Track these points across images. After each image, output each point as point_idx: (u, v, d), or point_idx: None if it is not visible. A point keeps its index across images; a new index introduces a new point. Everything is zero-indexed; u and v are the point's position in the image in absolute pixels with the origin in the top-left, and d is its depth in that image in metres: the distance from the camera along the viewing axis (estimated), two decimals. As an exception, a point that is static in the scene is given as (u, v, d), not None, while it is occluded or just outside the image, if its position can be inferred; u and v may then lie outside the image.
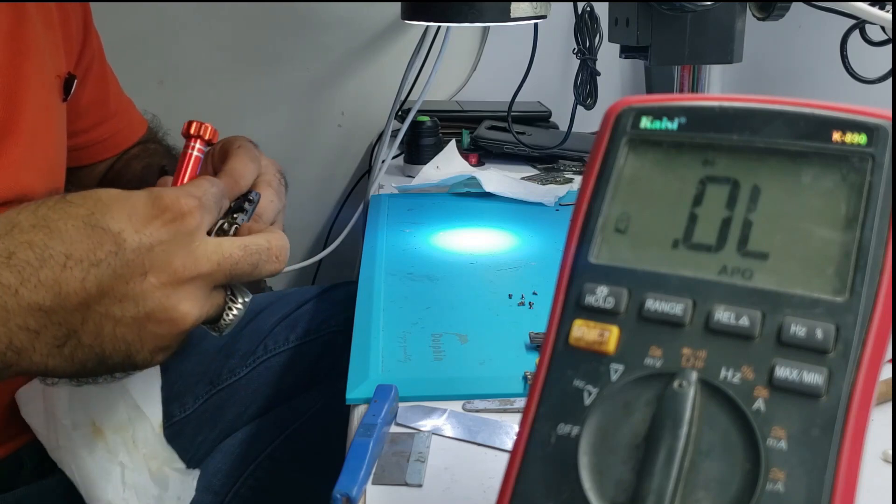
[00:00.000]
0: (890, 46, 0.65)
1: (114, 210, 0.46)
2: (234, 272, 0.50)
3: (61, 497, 0.72)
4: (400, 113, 1.25)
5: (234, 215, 0.57)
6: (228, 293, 0.53)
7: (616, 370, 0.32)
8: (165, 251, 0.47)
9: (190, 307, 0.48)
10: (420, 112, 1.20)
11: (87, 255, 0.45)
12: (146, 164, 0.94)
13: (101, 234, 0.45)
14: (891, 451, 0.49)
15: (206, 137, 0.57)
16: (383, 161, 1.21)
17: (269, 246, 0.52)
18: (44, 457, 0.75)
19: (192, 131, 0.57)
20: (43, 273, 0.44)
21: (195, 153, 0.57)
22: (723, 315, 0.31)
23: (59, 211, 0.46)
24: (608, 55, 0.93)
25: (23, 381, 0.69)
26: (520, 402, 0.57)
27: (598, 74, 0.95)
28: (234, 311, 0.53)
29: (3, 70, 0.70)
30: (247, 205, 0.59)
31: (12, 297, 0.44)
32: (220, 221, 0.55)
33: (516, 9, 0.93)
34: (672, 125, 0.34)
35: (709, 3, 0.71)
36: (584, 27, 0.94)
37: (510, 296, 0.75)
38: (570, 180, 1.18)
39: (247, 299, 0.54)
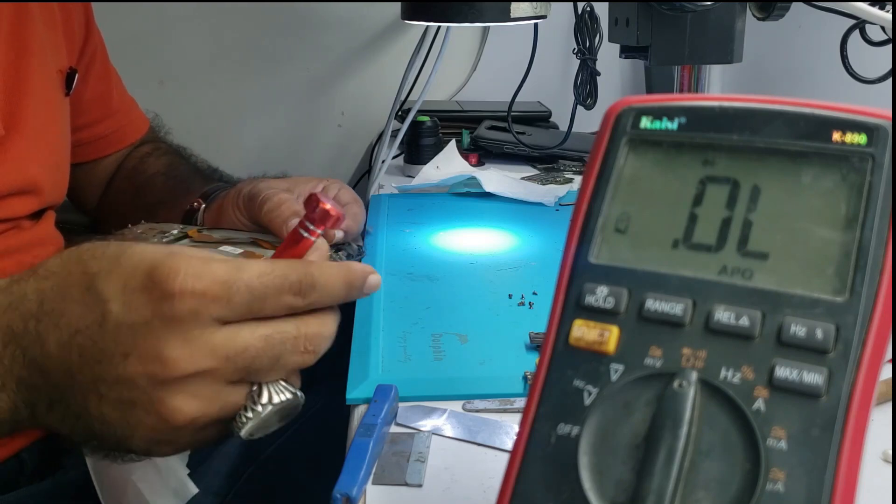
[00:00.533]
0: (890, 46, 0.65)
1: (115, 272, 0.42)
2: (252, 368, 0.42)
3: (63, 498, 0.72)
4: (400, 113, 1.25)
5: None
6: (254, 389, 0.44)
7: (616, 370, 0.32)
8: (152, 335, 0.40)
9: (184, 406, 0.41)
10: (420, 112, 1.20)
11: (76, 321, 0.42)
12: (166, 169, 0.94)
13: (94, 301, 0.42)
14: (891, 451, 0.49)
15: (328, 225, 0.46)
16: (383, 161, 1.21)
17: (296, 334, 0.43)
18: (45, 458, 0.75)
19: (317, 216, 0.46)
20: (41, 327, 0.42)
21: (300, 230, 0.46)
22: (723, 315, 0.31)
23: (77, 262, 0.43)
24: (608, 55, 0.93)
25: None
26: (520, 402, 0.57)
27: (598, 74, 0.95)
28: (250, 415, 0.43)
29: (7, 66, 0.70)
30: (353, 253, 0.55)
31: (18, 347, 0.43)
32: None
33: (516, 9, 0.93)
34: (672, 125, 0.34)
35: (709, 2, 0.71)
36: (584, 27, 0.94)
37: (510, 296, 0.75)
38: (570, 180, 1.18)
39: (284, 398, 0.44)
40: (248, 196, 0.73)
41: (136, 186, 0.93)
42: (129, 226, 0.72)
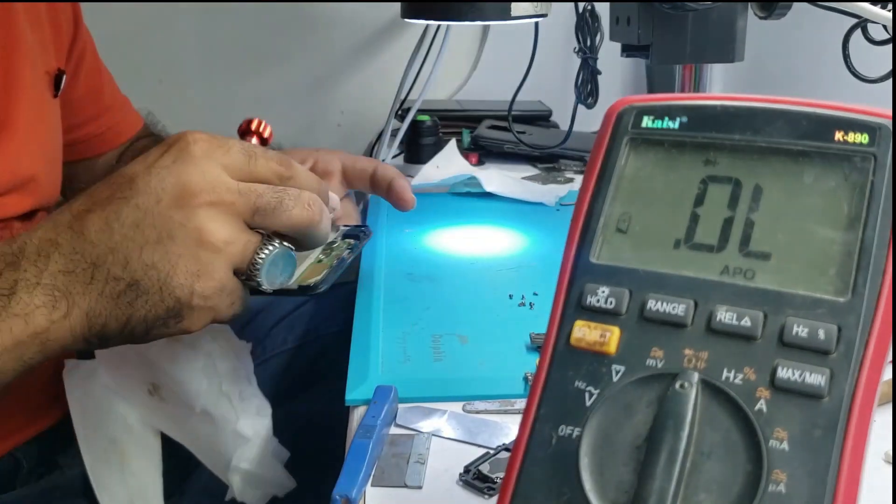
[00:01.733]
0: (891, 46, 0.65)
1: (137, 161, 0.50)
2: (259, 205, 0.50)
3: (60, 498, 0.72)
4: (400, 112, 1.25)
5: (350, 243, 0.58)
6: (264, 238, 0.52)
7: (617, 371, 0.32)
8: (175, 174, 0.49)
9: (215, 227, 0.49)
10: (420, 111, 1.19)
11: (106, 196, 0.49)
12: None
13: (120, 179, 0.50)
14: (892, 452, 0.49)
15: (264, 135, 0.57)
16: (383, 161, 1.21)
17: (298, 192, 0.52)
18: (41, 458, 0.75)
19: (252, 128, 0.56)
20: (75, 224, 0.49)
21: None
22: (725, 315, 0.31)
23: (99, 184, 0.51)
24: (609, 54, 0.93)
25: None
26: (520, 403, 0.57)
27: (599, 73, 0.95)
28: (266, 251, 0.51)
29: None
30: (361, 235, 0.60)
31: (52, 246, 0.48)
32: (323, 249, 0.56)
33: (517, 7, 0.93)
34: (673, 124, 0.34)
35: (710, 1, 0.71)
36: (585, 26, 0.94)
37: (510, 296, 0.75)
38: (571, 180, 1.18)
39: (288, 245, 0.52)
40: None
41: None
42: None
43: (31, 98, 0.74)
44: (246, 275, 0.51)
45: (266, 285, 0.52)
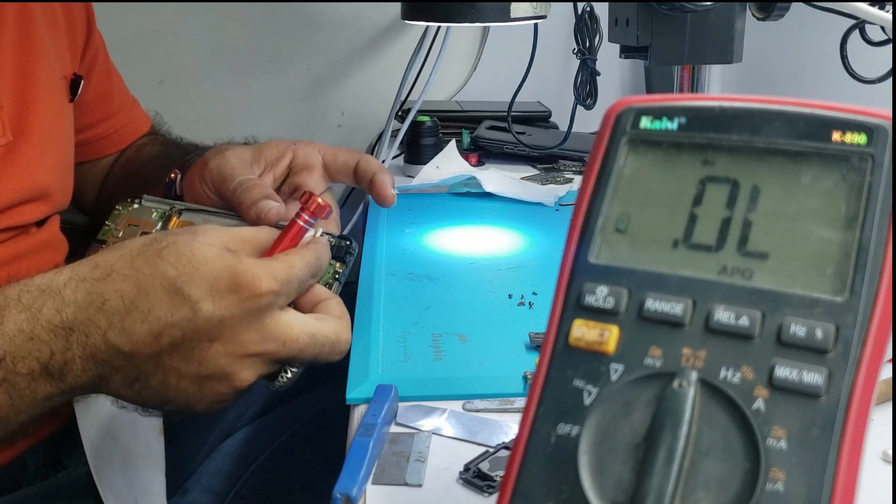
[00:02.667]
0: (890, 46, 0.65)
1: (198, 276, 0.51)
2: (297, 357, 0.54)
3: (65, 498, 0.72)
4: (400, 113, 1.25)
5: (337, 270, 0.62)
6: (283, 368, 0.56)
7: (616, 370, 0.32)
8: (236, 325, 0.51)
9: (249, 375, 0.53)
10: (420, 112, 1.20)
11: (166, 315, 0.50)
12: (158, 152, 0.94)
13: (182, 300, 0.50)
14: (891, 451, 0.49)
15: (314, 212, 0.59)
16: (383, 161, 1.21)
17: (335, 339, 0.55)
18: (48, 459, 0.75)
19: (307, 205, 0.59)
20: (127, 322, 0.50)
21: (300, 223, 0.58)
22: (723, 315, 0.31)
23: (151, 266, 0.51)
24: (608, 55, 0.93)
25: None
26: (520, 402, 0.57)
27: (598, 74, 0.95)
28: (289, 375, 0.56)
29: (14, 72, 0.70)
30: (347, 257, 0.63)
31: (101, 338, 0.50)
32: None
33: (516, 9, 0.93)
34: (672, 125, 0.34)
35: (709, 3, 0.71)
36: (584, 27, 0.94)
37: (510, 296, 0.75)
38: (570, 180, 1.18)
39: (299, 368, 0.57)
40: (218, 173, 0.72)
41: (128, 172, 0.93)
42: (107, 224, 0.72)
43: (48, 105, 0.74)
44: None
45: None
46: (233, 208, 0.69)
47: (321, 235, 0.61)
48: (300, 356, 0.54)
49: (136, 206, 0.72)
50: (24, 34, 0.72)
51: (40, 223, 0.76)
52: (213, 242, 0.52)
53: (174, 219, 0.71)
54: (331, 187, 0.78)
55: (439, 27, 1.18)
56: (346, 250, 0.64)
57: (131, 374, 0.51)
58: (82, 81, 0.81)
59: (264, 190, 0.68)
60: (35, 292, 0.50)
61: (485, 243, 0.92)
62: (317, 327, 0.54)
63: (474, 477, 0.49)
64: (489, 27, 1.47)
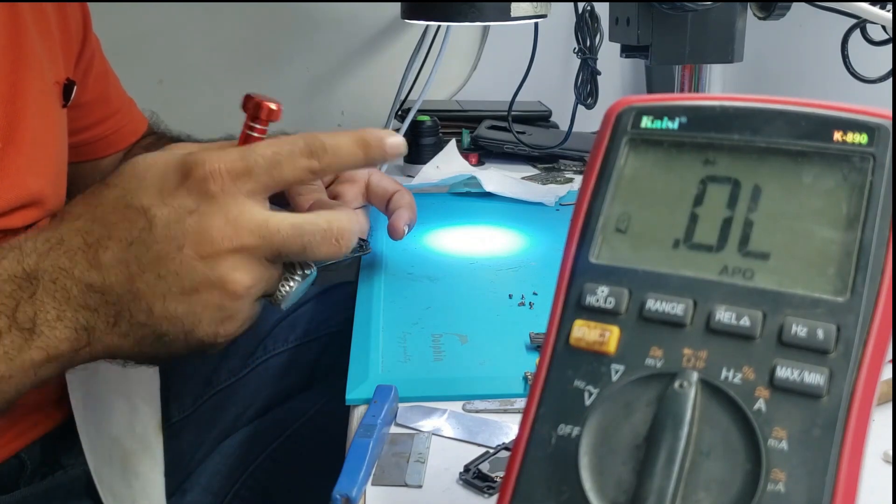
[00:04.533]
0: (890, 46, 0.65)
1: (145, 184, 0.47)
2: (283, 249, 0.48)
3: (63, 498, 0.72)
4: (400, 112, 1.25)
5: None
6: (285, 267, 0.51)
7: (616, 370, 0.32)
8: (198, 221, 0.46)
9: (240, 276, 0.48)
10: (420, 112, 1.19)
11: (124, 235, 0.47)
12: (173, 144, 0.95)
13: (134, 213, 0.47)
14: (891, 452, 0.49)
15: (276, 120, 0.52)
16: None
17: (327, 227, 0.49)
18: (45, 458, 0.75)
19: (261, 116, 0.52)
20: (90, 255, 0.47)
21: (251, 132, 0.52)
22: (724, 315, 0.31)
23: (98, 196, 0.48)
24: (609, 54, 0.93)
25: None
26: (520, 403, 0.57)
27: (599, 74, 0.95)
28: (291, 284, 0.51)
29: (4, 80, 0.70)
30: (356, 248, 0.58)
31: (69, 279, 0.47)
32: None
33: (516, 8, 0.93)
34: (673, 125, 0.34)
35: (709, 2, 0.71)
36: (585, 26, 0.94)
37: (510, 296, 0.75)
38: (571, 180, 1.18)
39: (308, 271, 0.52)
40: None
41: None
42: None
43: (39, 111, 0.73)
44: (268, 300, 0.52)
45: (283, 307, 0.52)
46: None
47: None
48: (285, 249, 0.48)
49: None
50: (14, 41, 0.71)
51: (31, 227, 0.75)
52: (157, 154, 0.49)
53: None
54: (367, 206, 0.80)
55: (439, 27, 1.18)
56: (361, 242, 0.63)
57: (112, 312, 0.47)
58: (76, 86, 0.81)
59: (320, 195, 0.69)
60: None
61: (485, 243, 0.92)
62: (302, 217, 0.49)
63: (474, 478, 0.49)
64: (489, 27, 1.47)
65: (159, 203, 0.47)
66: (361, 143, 0.51)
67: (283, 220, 0.48)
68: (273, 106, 0.51)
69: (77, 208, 0.49)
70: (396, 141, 0.52)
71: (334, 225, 0.49)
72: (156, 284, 0.47)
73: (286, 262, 0.51)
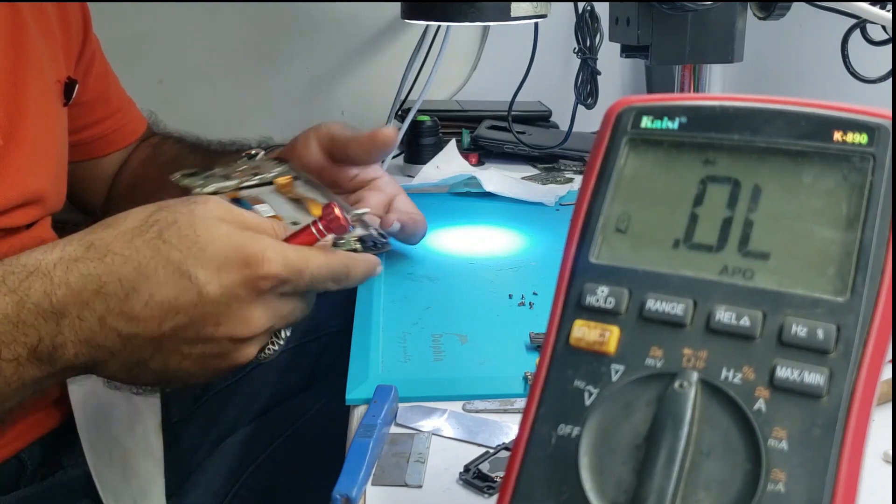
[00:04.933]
0: (891, 46, 0.65)
1: (205, 259, 0.49)
2: (294, 319, 0.55)
3: (64, 498, 0.72)
4: (400, 112, 1.25)
5: (355, 248, 0.62)
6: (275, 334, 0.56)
7: (617, 370, 0.32)
8: (243, 307, 0.50)
9: (251, 351, 0.53)
10: (420, 112, 1.19)
11: (170, 300, 0.48)
12: (190, 142, 0.97)
13: (187, 284, 0.49)
14: (891, 452, 0.49)
15: (330, 223, 0.55)
16: (383, 161, 1.21)
17: (348, 273, 0.55)
18: (45, 458, 0.75)
19: (326, 215, 0.55)
20: (126, 306, 0.48)
21: (313, 230, 0.55)
22: (724, 315, 0.31)
23: (153, 248, 0.49)
24: (609, 54, 0.93)
25: None
26: (520, 403, 0.57)
27: (599, 74, 0.95)
28: (276, 347, 0.56)
29: (6, 78, 0.70)
30: (372, 245, 0.63)
31: (97, 321, 0.48)
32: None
33: (516, 8, 0.93)
34: (673, 125, 0.34)
35: (709, 2, 0.71)
36: (585, 26, 0.94)
37: (510, 296, 0.75)
38: (571, 180, 1.18)
39: (288, 333, 0.57)
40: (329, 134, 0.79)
41: (158, 166, 0.93)
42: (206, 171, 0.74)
43: (40, 109, 0.73)
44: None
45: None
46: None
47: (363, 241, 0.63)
48: (292, 321, 0.55)
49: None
50: (15, 39, 0.71)
51: (31, 226, 0.75)
52: (213, 215, 0.51)
53: (283, 179, 0.76)
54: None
55: (439, 27, 1.18)
56: (376, 241, 0.65)
57: (130, 359, 0.50)
58: (77, 85, 0.81)
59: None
60: (21, 274, 0.48)
61: (485, 243, 0.92)
62: (326, 265, 0.54)
63: (474, 478, 0.49)
64: (489, 27, 1.47)
65: (215, 282, 0.49)
66: (368, 274, 0.58)
67: (303, 301, 0.55)
68: (344, 223, 0.55)
69: (124, 249, 0.49)
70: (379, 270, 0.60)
71: (352, 273, 0.55)
72: (181, 346, 0.50)
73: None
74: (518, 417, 0.42)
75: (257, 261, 0.49)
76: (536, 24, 1.08)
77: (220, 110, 1.54)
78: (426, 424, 0.55)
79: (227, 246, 0.49)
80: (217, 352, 0.51)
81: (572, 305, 0.33)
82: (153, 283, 0.48)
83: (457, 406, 0.57)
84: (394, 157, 1.26)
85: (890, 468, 0.49)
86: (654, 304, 0.32)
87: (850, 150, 0.31)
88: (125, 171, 0.96)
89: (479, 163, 1.27)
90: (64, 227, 0.84)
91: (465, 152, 1.25)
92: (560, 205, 1.06)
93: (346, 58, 1.55)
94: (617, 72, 1.46)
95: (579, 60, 0.96)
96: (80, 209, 0.99)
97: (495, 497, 0.46)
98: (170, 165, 0.89)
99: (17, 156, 0.70)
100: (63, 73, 0.79)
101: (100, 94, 0.91)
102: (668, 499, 0.29)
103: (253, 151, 0.80)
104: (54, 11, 0.79)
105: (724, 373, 0.30)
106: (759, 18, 0.70)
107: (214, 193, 0.71)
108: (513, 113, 1.15)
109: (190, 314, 0.49)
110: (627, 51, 0.81)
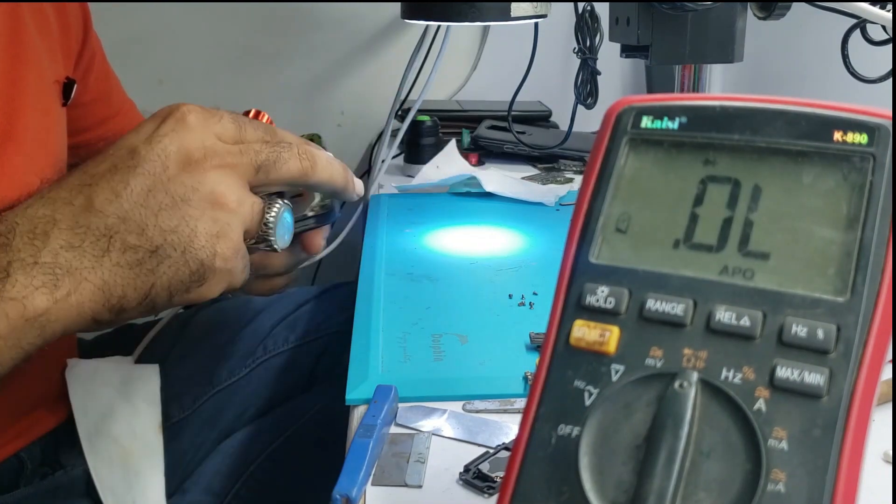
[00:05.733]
0: (891, 46, 0.65)
1: (130, 134, 0.51)
2: (259, 162, 0.52)
3: (63, 498, 0.72)
4: (400, 112, 1.25)
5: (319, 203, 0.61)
6: (265, 199, 0.54)
7: (617, 370, 0.32)
8: (177, 141, 0.50)
9: (226, 188, 0.50)
10: (420, 112, 1.19)
11: (110, 168, 0.49)
12: None
13: (123, 153, 0.50)
14: (891, 452, 0.49)
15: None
16: (383, 161, 1.20)
17: (292, 143, 0.54)
18: (45, 458, 0.75)
19: (250, 116, 0.58)
20: (80, 198, 0.48)
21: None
22: (724, 315, 0.31)
23: (86, 163, 0.51)
24: (609, 54, 0.93)
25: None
26: (520, 403, 0.57)
27: (599, 74, 0.95)
28: (274, 210, 0.53)
29: (3, 78, 0.70)
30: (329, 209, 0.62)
31: (49, 223, 0.47)
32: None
33: (516, 8, 0.93)
34: (673, 125, 0.34)
35: (709, 2, 0.71)
36: (585, 26, 0.94)
37: (510, 296, 0.75)
38: (571, 180, 1.18)
39: (286, 200, 0.55)
40: None
41: None
42: None
43: (38, 109, 0.73)
44: (258, 237, 0.53)
45: (278, 244, 0.55)
46: None
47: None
48: (259, 160, 0.52)
49: None
50: (13, 39, 0.71)
51: None
52: None
53: None
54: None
55: (439, 26, 1.18)
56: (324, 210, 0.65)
57: (101, 243, 0.47)
58: (76, 85, 0.81)
59: None
60: None
61: (485, 243, 0.92)
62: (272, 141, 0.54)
63: (474, 478, 0.49)
64: (489, 26, 1.47)
65: (140, 138, 0.50)
66: (308, 155, 0.56)
67: (255, 137, 0.53)
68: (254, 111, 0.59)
69: (70, 173, 0.51)
70: (361, 187, 0.63)
71: (302, 145, 0.55)
72: (146, 202, 0.48)
73: (265, 194, 0.54)
74: (518, 417, 0.42)
75: (174, 106, 0.52)
76: (536, 24, 1.08)
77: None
78: (426, 424, 0.55)
79: (147, 120, 0.52)
80: (186, 193, 0.49)
81: (572, 305, 0.33)
82: (96, 173, 0.49)
83: (457, 406, 0.57)
84: (394, 157, 1.26)
85: (890, 468, 0.49)
86: (655, 304, 0.32)
87: (851, 150, 0.31)
88: None
89: (479, 163, 1.27)
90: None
91: (465, 152, 1.25)
92: (560, 205, 1.06)
93: (346, 57, 1.55)
94: (617, 72, 1.46)
95: (579, 60, 0.96)
96: None
97: (495, 497, 0.46)
98: None
99: (15, 155, 0.70)
100: (62, 73, 0.79)
101: (100, 96, 0.91)
102: (668, 499, 0.29)
103: None
104: (53, 11, 0.79)
105: (724, 373, 0.30)
106: (759, 18, 0.70)
107: None
108: (513, 113, 1.15)
109: (135, 170, 0.49)
110: (627, 51, 0.81)
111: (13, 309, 0.45)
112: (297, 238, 0.63)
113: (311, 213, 0.62)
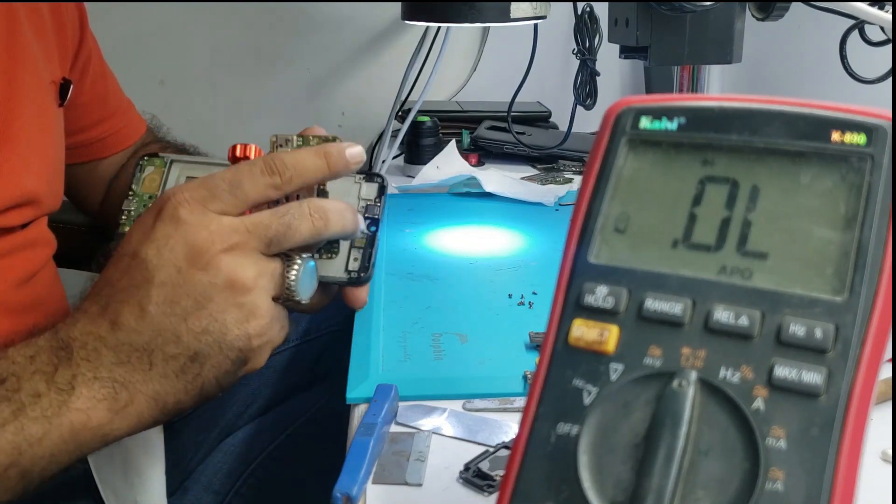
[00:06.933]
0: (889, 46, 0.65)
1: (129, 237, 0.51)
2: (269, 235, 0.51)
3: (64, 497, 0.72)
4: (400, 113, 1.25)
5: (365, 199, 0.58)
6: (284, 259, 0.53)
7: (616, 370, 0.32)
8: (180, 240, 0.49)
9: (241, 270, 0.50)
10: (420, 112, 1.20)
11: (128, 285, 0.49)
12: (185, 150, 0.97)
13: (128, 261, 0.50)
14: (890, 451, 0.49)
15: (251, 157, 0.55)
16: (383, 161, 1.21)
17: (300, 205, 0.52)
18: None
19: (237, 154, 0.55)
20: (108, 316, 0.49)
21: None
22: (722, 315, 0.31)
23: (107, 266, 0.52)
24: (608, 55, 0.93)
25: None
26: (520, 402, 0.57)
27: (598, 75, 0.96)
28: (295, 269, 0.52)
29: None
30: (379, 187, 0.59)
31: (97, 341, 0.49)
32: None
33: (516, 9, 0.93)
34: (671, 125, 0.34)
35: (708, 3, 0.72)
36: (584, 27, 0.94)
37: (510, 295, 0.75)
38: (570, 180, 1.18)
39: (305, 255, 0.53)
40: None
41: None
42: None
43: (34, 110, 0.73)
44: (284, 297, 0.53)
45: (304, 299, 0.54)
46: None
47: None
48: (270, 234, 0.50)
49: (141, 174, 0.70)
50: (9, 40, 0.71)
51: (27, 226, 0.75)
52: None
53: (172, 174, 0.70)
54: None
55: (439, 27, 1.18)
56: (377, 179, 0.62)
57: (145, 358, 0.49)
58: (72, 86, 0.81)
59: None
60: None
61: (485, 243, 0.92)
62: (278, 205, 0.52)
63: (474, 476, 0.49)
64: (489, 27, 1.47)
65: (145, 243, 0.49)
66: (322, 154, 0.53)
67: (262, 211, 0.51)
68: (241, 148, 0.55)
69: (96, 283, 0.51)
70: (356, 150, 0.56)
71: (310, 204, 0.52)
72: (172, 311, 0.49)
73: (284, 253, 0.52)
74: (518, 416, 0.43)
75: (163, 201, 0.50)
76: (536, 25, 1.08)
77: (220, 111, 1.54)
78: (426, 423, 0.55)
79: (140, 216, 0.51)
80: (206, 291, 0.49)
81: (571, 305, 0.33)
82: (112, 284, 0.50)
83: (457, 405, 0.57)
84: (394, 158, 1.26)
85: (889, 467, 0.49)
86: (653, 304, 0.32)
87: (849, 150, 0.31)
88: (123, 176, 0.96)
89: (479, 163, 1.27)
90: (67, 228, 0.84)
91: (464, 153, 1.25)
92: (559, 205, 1.06)
93: (346, 58, 1.55)
94: (616, 73, 1.47)
95: (578, 61, 0.96)
96: (82, 211, 0.99)
97: (495, 495, 0.47)
98: None
99: (12, 156, 0.70)
100: (58, 73, 0.79)
101: (97, 96, 0.91)
102: (666, 498, 0.29)
103: None
104: (49, 11, 0.79)
105: (722, 372, 0.30)
106: (758, 19, 0.70)
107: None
108: (512, 113, 1.16)
109: (150, 280, 0.49)
110: (626, 52, 0.81)
111: (77, 419, 0.48)
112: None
113: (345, 276, 0.59)
